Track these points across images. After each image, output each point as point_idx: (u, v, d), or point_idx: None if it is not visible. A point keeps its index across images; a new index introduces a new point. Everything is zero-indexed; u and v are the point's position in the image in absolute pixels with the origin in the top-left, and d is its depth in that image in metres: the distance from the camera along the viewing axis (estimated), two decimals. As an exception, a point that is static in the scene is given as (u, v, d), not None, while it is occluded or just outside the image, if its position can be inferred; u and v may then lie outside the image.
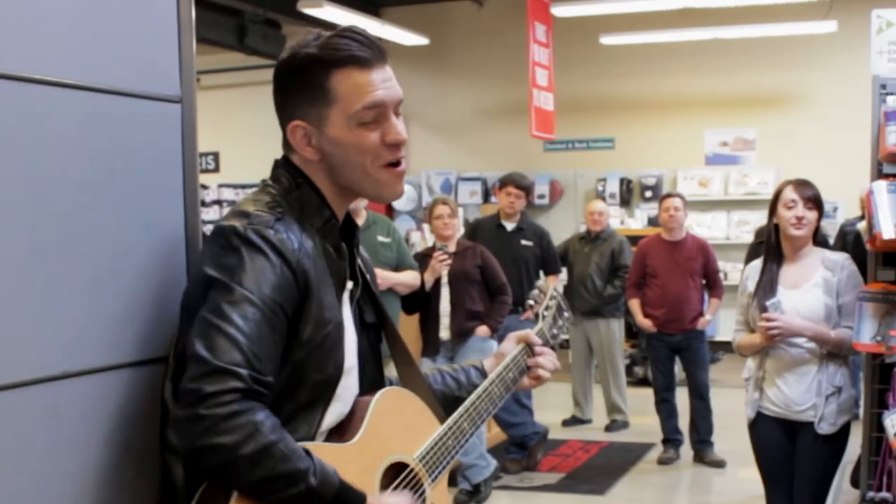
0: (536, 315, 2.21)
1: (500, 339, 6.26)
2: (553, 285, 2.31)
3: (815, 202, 3.90)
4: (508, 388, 2.06)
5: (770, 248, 3.98)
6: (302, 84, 1.72)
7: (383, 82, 1.73)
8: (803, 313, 3.85)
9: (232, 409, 1.50)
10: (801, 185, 3.94)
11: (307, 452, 1.57)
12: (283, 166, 1.77)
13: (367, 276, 1.89)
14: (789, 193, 3.91)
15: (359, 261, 1.86)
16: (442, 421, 1.91)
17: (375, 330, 1.92)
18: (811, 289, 3.87)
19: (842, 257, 3.95)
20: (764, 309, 3.88)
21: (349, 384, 1.76)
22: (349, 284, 1.80)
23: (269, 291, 1.59)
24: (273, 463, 1.52)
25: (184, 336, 1.64)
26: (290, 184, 1.74)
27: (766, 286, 3.92)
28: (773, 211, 3.97)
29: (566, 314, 2.29)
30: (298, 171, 1.75)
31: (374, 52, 1.72)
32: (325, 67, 1.70)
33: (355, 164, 1.73)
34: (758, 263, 4.04)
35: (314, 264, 1.67)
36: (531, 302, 2.23)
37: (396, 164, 1.75)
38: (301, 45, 1.73)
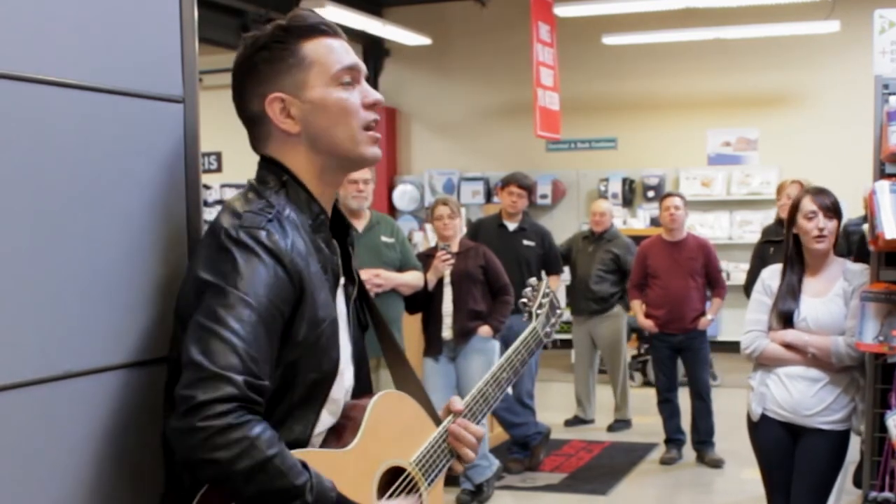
0: (529, 314, 2.20)
1: (504, 340, 6.26)
2: (555, 285, 2.30)
3: (833, 211, 3.82)
4: (502, 388, 2.04)
5: (791, 256, 3.91)
6: (273, 57, 1.71)
7: (350, 51, 1.78)
8: (825, 322, 3.82)
9: (227, 422, 1.47)
10: (819, 193, 3.86)
11: (304, 465, 1.55)
12: (266, 166, 1.76)
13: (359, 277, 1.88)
14: (808, 204, 3.81)
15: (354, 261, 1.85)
16: (437, 423, 1.90)
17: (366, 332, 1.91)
18: (833, 298, 3.84)
19: (861, 268, 3.90)
20: (786, 320, 3.86)
21: (344, 382, 1.75)
22: (342, 280, 1.79)
23: (265, 293, 1.56)
24: (269, 479, 1.50)
25: (177, 342, 1.61)
26: (276, 183, 1.72)
27: (788, 295, 3.88)
28: (791, 220, 3.89)
29: (559, 311, 2.28)
30: (282, 167, 1.74)
31: (333, 27, 1.77)
32: (296, 37, 1.72)
33: (339, 125, 1.73)
34: (777, 267, 3.99)
35: (307, 263, 1.65)
36: (524, 300, 2.22)
37: (372, 126, 1.77)
38: (258, 31, 1.74)
